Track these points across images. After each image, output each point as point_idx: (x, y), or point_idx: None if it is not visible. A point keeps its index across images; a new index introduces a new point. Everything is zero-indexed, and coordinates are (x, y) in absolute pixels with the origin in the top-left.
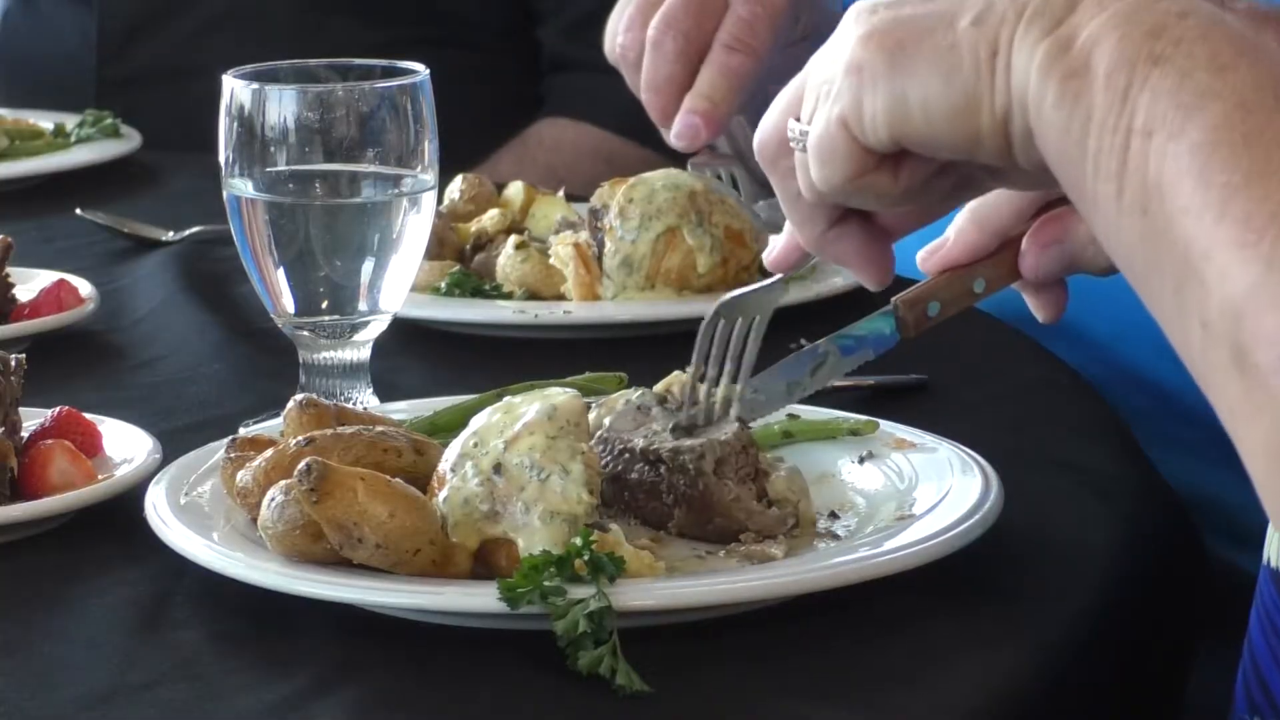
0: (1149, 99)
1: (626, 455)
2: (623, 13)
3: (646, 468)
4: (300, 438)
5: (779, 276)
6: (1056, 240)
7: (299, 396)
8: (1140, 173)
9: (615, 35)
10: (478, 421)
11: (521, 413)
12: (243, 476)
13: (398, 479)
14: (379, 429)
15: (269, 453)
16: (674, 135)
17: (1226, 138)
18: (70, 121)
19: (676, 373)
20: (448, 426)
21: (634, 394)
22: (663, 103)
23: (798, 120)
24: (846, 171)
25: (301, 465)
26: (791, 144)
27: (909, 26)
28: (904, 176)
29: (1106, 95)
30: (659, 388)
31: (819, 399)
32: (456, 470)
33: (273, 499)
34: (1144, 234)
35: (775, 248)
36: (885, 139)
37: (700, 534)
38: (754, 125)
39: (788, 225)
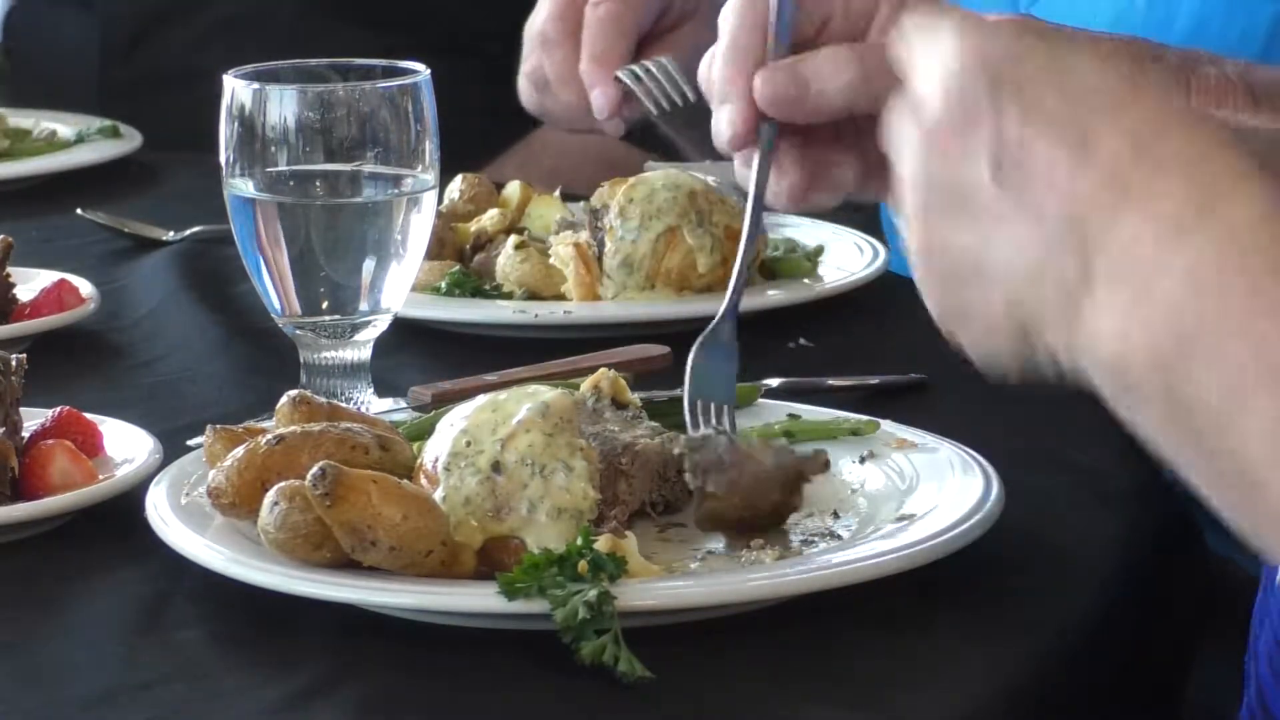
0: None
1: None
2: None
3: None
4: (270, 437)
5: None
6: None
7: (293, 392)
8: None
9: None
10: (465, 421)
11: (511, 411)
12: (214, 476)
13: (406, 480)
14: (344, 425)
15: (239, 451)
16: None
17: None
18: (66, 131)
19: (602, 370)
20: None
21: (585, 394)
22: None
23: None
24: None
25: (315, 470)
26: None
27: (953, 285)
28: None
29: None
30: (585, 386)
31: (820, 399)
32: (451, 470)
33: (275, 504)
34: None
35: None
36: None
37: (753, 519)
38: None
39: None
